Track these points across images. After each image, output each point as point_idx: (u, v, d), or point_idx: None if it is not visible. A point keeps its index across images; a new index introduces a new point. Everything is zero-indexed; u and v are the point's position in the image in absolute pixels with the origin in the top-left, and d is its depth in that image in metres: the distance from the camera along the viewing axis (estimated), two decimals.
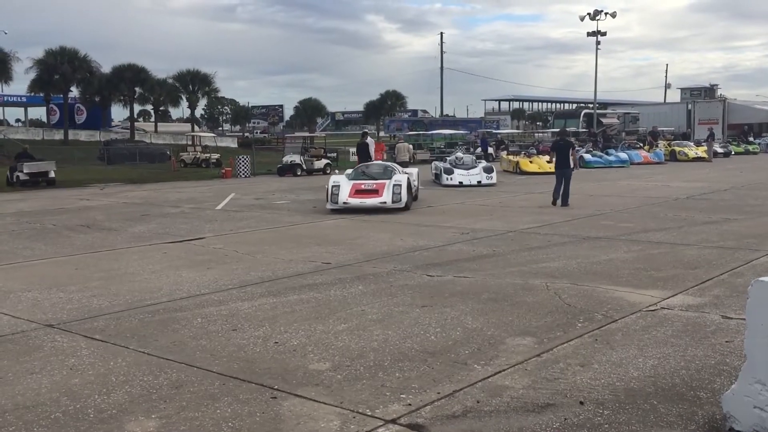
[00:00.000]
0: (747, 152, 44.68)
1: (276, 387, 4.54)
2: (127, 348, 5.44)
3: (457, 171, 21.18)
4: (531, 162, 27.24)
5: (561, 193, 15.34)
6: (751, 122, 60.95)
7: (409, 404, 4.23)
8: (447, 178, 21.01)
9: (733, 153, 42.11)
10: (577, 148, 34.87)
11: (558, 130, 50.09)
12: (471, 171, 21.27)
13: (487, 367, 4.87)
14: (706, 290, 7.11)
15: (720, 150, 40.00)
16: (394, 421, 4.00)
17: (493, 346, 5.37)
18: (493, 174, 21.27)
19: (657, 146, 37.25)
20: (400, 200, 14.34)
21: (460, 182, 20.74)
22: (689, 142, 41.33)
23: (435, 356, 5.13)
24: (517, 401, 4.26)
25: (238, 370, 4.89)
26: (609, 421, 3.94)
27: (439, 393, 4.40)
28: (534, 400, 4.27)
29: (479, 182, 20.77)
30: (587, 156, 31.62)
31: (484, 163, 22.33)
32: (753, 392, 3.62)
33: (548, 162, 25.72)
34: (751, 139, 51.64)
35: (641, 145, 37.43)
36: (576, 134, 49.20)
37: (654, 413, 4.04)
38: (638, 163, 31.93)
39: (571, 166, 15.63)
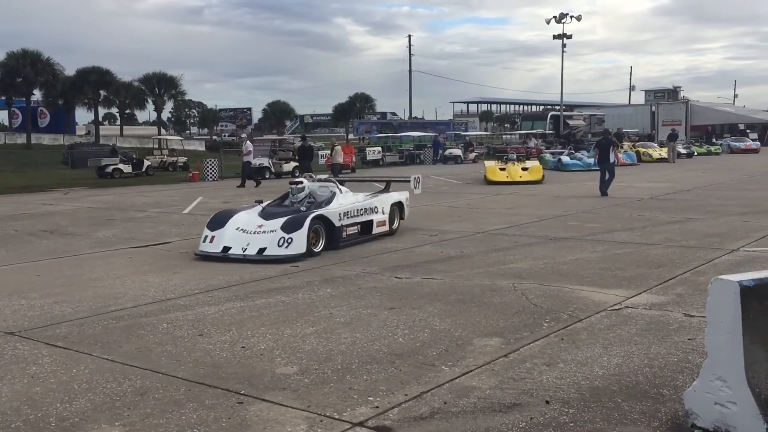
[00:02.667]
0: (709, 153, 45.62)
1: (243, 392, 4.50)
2: (91, 355, 5.35)
3: (229, 225, 9.93)
4: (501, 169, 23.64)
5: (607, 183, 17.99)
6: (713, 123, 62.26)
7: (377, 407, 4.23)
8: (204, 239, 9.90)
9: (695, 154, 42.95)
10: (565, 149, 35.36)
11: (525, 132, 50.67)
12: (266, 225, 9.83)
13: (455, 368, 4.89)
14: (669, 289, 7.23)
15: (683, 151, 40.75)
16: (361, 424, 3.99)
17: (461, 347, 5.39)
18: (295, 236, 9.44)
19: (622, 147, 37.79)
20: None
21: (226, 248, 9.60)
22: (653, 144, 42.03)
23: (403, 358, 5.14)
24: (484, 402, 4.28)
25: (204, 375, 4.84)
26: (574, 420, 3.98)
27: (406, 395, 4.40)
28: (501, 400, 4.29)
29: (261, 251, 9.42)
30: (565, 158, 31.03)
31: (297, 217, 9.91)
32: (714, 389, 3.68)
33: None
34: (713, 140, 52.77)
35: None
36: (543, 136, 49.83)
37: (618, 411, 4.09)
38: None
39: (612, 160, 18.27)
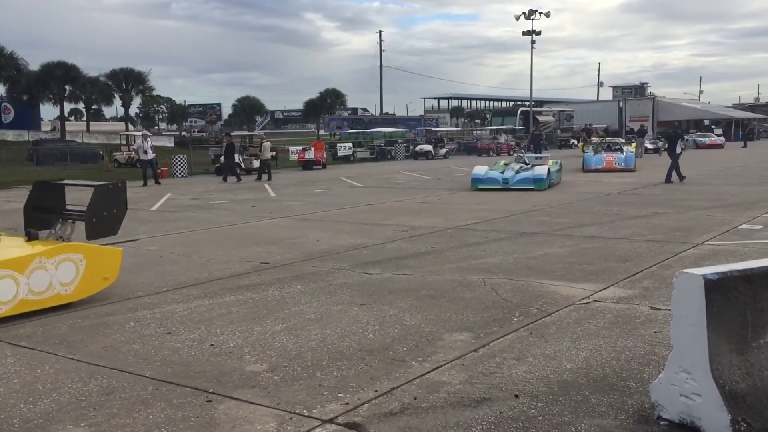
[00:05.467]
0: None
1: (211, 390, 4.46)
2: (56, 354, 5.26)
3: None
4: None
5: (669, 171, 20.16)
6: (679, 119, 63.29)
7: (347, 403, 4.21)
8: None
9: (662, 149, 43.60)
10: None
11: (495, 127, 51.04)
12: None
13: (425, 364, 4.89)
14: (636, 282, 7.32)
15: (650, 146, 41.34)
16: (331, 421, 3.98)
17: (431, 342, 5.39)
18: None
19: (590, 142, 38.19)
20: None
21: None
22: (620, 139, 42.55)
23: (373, 354, 5.13)
24: (453, 396, 4.29)
25: (171, 374, 4.78)
26: (543, 413, 4.01)
27: (376, 391, 4.40)
28: (470, 395, 4.30)
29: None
30: (509, 173, 19.27)
31: None
32: (679, 381, 3.73)
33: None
34: None
35: (578, 143, 38.30)
36: (513, 131, 50.20)
37: (586, 404, 4.13)
38: (597, 170, 25.56)
39: (678, 151, 20.55)
